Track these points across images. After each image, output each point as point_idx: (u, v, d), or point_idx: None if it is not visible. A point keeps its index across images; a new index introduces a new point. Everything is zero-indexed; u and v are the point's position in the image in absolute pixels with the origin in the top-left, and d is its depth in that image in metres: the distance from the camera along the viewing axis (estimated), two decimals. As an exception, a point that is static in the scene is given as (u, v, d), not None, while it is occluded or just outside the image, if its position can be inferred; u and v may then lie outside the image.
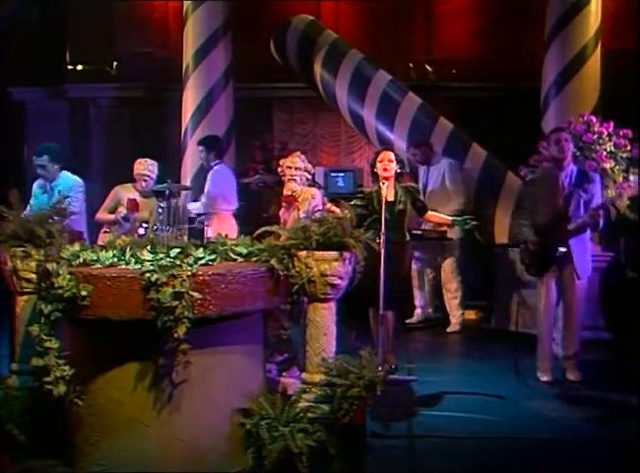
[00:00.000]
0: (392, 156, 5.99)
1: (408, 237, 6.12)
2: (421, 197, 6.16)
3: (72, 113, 11.11)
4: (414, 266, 8.21)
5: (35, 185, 6.58)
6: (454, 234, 7.95)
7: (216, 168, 7.49)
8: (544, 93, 8.15)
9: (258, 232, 4.56)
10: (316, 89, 9.75)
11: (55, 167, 6.46)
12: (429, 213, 6.33)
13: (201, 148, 7.64)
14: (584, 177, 5.86)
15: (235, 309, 4.01)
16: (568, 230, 5.75)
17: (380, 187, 5.82)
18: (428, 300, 8.26)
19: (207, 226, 7.28)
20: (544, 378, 5.92)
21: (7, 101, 10.80)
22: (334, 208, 5.50)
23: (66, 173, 6.54)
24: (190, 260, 3.98)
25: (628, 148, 7.20)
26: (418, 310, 8.22)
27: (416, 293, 8.23)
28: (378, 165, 5.95)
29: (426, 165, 8.15)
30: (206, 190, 7.45)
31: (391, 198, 5.88)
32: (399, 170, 6.02)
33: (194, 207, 7.42)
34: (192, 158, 9.16)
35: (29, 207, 6.28)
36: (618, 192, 6.69)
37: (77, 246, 4.27)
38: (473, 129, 8.82)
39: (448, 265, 8.05)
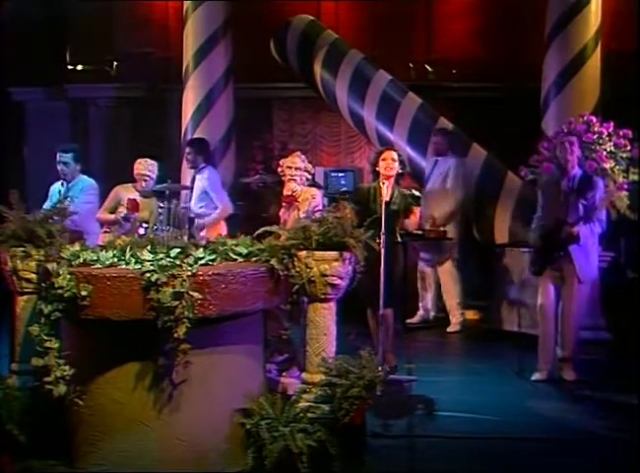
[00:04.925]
0: (395, 155, 5.98)
1: (399, 239, 6.09)
2: (415, 202, 6.05)
3: (72, 113, 11.09)
4: (418, 267, 8.22)
5: (53, 187, 6.71)
6: (452, 233, 7.95)
7: (207, 172, 7.49)
8: (545, 93, 8.14)
9: (258, 232, 4.56)
10: (316, 89, 9.75)
11: (77, 167, 6.66)
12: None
13: (188, 149, 7.69)
14: (587, 183, 5.87)
15: (235, 309, 4.01)
16: (566, 234, 5.76)
17: (380, 186, 5.82)
18: (431, 300, 8.25)
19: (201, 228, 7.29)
20: (536, 377, 5.92)
21: (7, 101, 10.79)
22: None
23: (83, 176, 6.73)
24: (190, 260, 3.98)
25: (628, 148, 7.20)
26: (422, 311, 8.21)
27: (421, 293, 8.22)
28: (381, 163, 5.93)
29: (440, 156, 8.12)
30: (205, 195, 7.43)
31: (387, 198, 5.86)
32: (400, 171, 6.01)
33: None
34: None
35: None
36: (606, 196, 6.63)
37: (77, 246, 4.27)
38: (473, 129, 8.82)
39: (445, 264, 8.04)
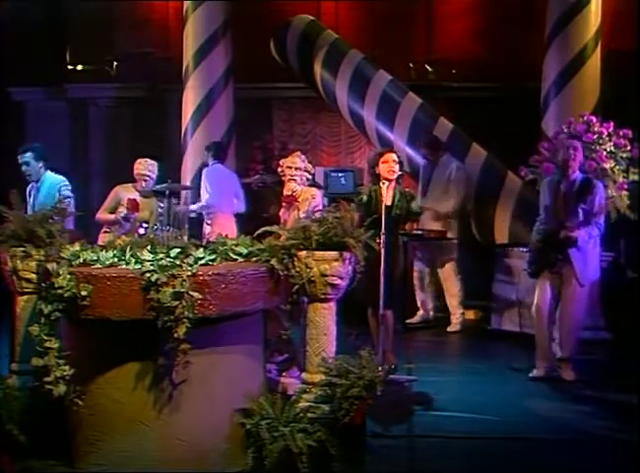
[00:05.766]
0: (396, 157, 5.96)
1: (400, 241, 6.09)
2: (416, 203, 6.08)
3: (72, 113, 11.09)
4: (415, 267, 8.22)
5: (28, 189, 6.57)
6: (452, 233, 7.94)
7: (209, 166, 7.66)
8: (544, 93, 8.15)
9: (258, 232, 4.55)
10: (316, 89, 9.75)
11: (39, 165, 6.49)
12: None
13: (206, 153, 8.07)
14: (587, 187, 5.88)
15: (235, 309, 4.01)
16: (565, 237, 5.77)
17: (380, 187, 5.81)
18: (430, 300, 8.25)
19: (207, 224, 7.37)
20: (534, 374, 5.94)
21: (7, 101, 10.79)
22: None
23: (50, 173, 6.55)
24: (190, 260, 3.98)
25: (628, 148, 7.20)
26: (420, 311, 8.21)
27: (419, 293, 8.22)
28: (382, 166, 5.89)
29: (435, 161, 8.13)
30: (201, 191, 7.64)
31: (389, 202, 5.85)
32: (400, 173, 5.99)
33: (193, 207, 7.57)
34: (192, 158, 9.17)
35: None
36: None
37: (77, 246, 4.27)
38: (473, 129, 8.82)
39: (448, 265, 8.03)
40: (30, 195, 6.51)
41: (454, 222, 7.99)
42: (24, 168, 6.48)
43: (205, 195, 7.78)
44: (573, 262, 5.82)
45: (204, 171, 7.94)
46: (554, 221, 5.88)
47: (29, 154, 6.47)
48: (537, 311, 6.00)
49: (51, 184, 6.47)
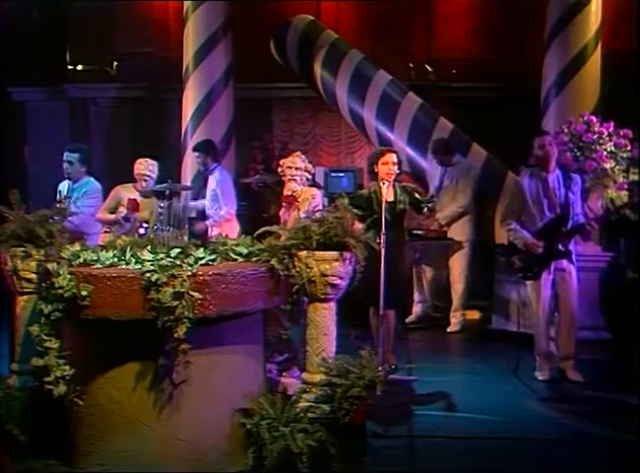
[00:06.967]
0: (395, 158, 5.96)
1: (407, 237, 6.10)
2: (419, 197, 6.09)
3: (72, 113, 11.11)
4: (417, 267, 8.20)
5: (60, 186, 6.73)
6: (464, 236, 7.91)
7: (218, 172, 7.46)
8: (545, 93, 8.15)
9: (258, 232, 4.56)
10: (316, 89, 9.75)
11: (82, 169, 6.72)
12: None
13: (197, 154, 7.58)
14: (569, 177, 5.92)
15: (235, 309, 4.01)
16: (567, 232, 5.78)
17: (380, 187, 5.81)
18: (426, 298, 8.23)
19: (212, 226, 7.29)
20: (542, 377, 5.93)
21: (7, 101, 10.80)
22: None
23: (89, 178, 6.78)
24: (190, 260, 3.98)
25: (628, 148, 7.20)
26: (416, 309, 8.19)
27: (417, 292, 8.20)
28: (381, 167, 5.90)
29: (447, 166, 8.11)
30: (216, 195, 7.37)
31: (391, 198, 5.86)
32: (398, 172, 5.99)
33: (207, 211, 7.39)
34: (192, 158, 9.15)
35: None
36: (624, 202, 6.73)
37: (77, 246, 4.27)
38: (473, 129, 8.82)
39: (457, 266, 7.98)
40: (63, 192, 6.64)
41: (469, 223, 7.96)
42: (66, 165, 6.66)
43: (222, 204, 7.44)
44: (571, 253, 5.86)
45: (219, 179, 7.38)
46: (553, 217, 5.86)
47: (76, 155, 6.69)
48: (540, 312, 5.95)
49: (86, 189, 6.68)
